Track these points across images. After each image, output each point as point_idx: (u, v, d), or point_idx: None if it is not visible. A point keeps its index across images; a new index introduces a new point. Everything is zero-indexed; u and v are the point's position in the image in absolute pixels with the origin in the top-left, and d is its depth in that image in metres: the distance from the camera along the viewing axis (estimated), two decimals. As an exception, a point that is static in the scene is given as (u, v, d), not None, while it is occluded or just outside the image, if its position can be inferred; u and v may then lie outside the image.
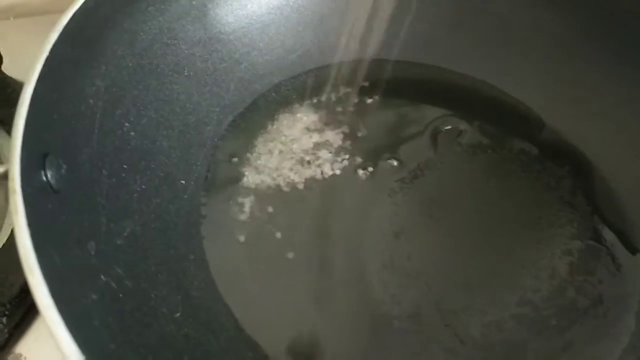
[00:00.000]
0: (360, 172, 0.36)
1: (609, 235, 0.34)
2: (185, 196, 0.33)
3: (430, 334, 0.30)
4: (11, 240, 0.32)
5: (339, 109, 0.39)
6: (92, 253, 0.25)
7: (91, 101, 0.29)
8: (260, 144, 0.37)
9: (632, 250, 0.33)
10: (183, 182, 0.33)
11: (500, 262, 0.33)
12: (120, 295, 0.25)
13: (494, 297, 0.31)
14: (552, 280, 0.32)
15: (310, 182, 0.35)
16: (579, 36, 0.40)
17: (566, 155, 0.38)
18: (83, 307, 0.22)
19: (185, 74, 0.35)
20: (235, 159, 0.36)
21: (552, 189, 0.36)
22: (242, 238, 0.33)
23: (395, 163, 0.37)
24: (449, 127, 0.39)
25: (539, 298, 0.31)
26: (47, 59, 0.26)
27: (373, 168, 0.36)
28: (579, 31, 0.40)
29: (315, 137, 0.38)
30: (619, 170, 0.36)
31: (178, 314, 0.27)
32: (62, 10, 0.28)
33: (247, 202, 0.34)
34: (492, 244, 0.33)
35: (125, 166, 0.30)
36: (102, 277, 0.24)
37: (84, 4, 0.28)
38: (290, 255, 0.32)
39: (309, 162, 0.36)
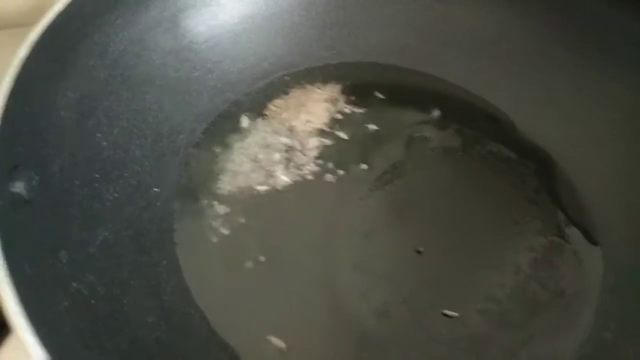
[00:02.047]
0: (332, 176, 0.37)
1: (571, 231, 0.35)
2: (159, 203, 0.33)
3: (399, 330, 0.31)
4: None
5: (312, 114, 0.40)
6: (64, 261, 0.26)
7: (63, 113, 0.30)
8: (234, 151, 0.38)
9: (594, 243, 0.35)
10: (156, 189, 0.34)
11: (467, 259, 0.34)
12: (92, 301, 0.25)
13: (460, 294, 0.32)
14: (516, 276, 0.33)
15: (283, 187, 0.36)
16: (543, 40, 0.41)
17: (531, 155, 0.39)
18: (54, 314, 0.23)
19: (158, 83, 0.36)
20: (208, 166, 0.36)
21: (517, 187, 0.37)
22: (215, 243, 0.33)
23: (365, 167, 0.38)
24: (419, 129, 0.40)
25: (503, 293, 0.32)
26: (18, 74, 0.26)
27: (344, 172, 0.37)
28: (543, 35, 0.41)
29: (288, 142, 0.38)
30: (581, 169, 0.38)
31: (150, 319, 0.27)
32: (33, 23, 0.29)
33: (220, 208, 0.35)
34: (459, 242, 0.35)
35: (97, 176, 0.31)
36: (74, 284, 0.25)
37: (53, 19, 0.29)
38: (262, 258, 0.33)
39: (282, 168, 0.37)
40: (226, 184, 0.36)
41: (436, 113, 0.41)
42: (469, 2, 0.42)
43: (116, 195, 0.31)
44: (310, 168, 0.37)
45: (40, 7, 0.46)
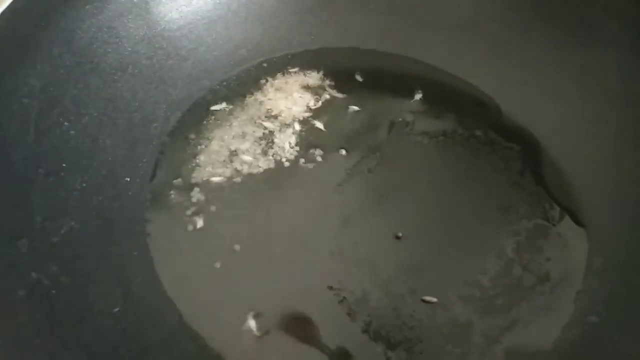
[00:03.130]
0: (310, 162, 0.36)
1: (557, 213, 0.34)
2: (130, 193, 0.33)
3: (377, 317, 0.30)
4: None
5: (291, 100, 0.39)
6: (24, 251, 0.25)
7: (25, 101, 0.29)
8: (209, 139, 0.37)
9: (580, 224, 0.34)
10: (128, 179, 0.33)
11: (448, 244, 0.33)
12: (53, 291, 0.25)
13: (440, 279, 0.31)
14: (500, 261, 0.32)
15: (259, 174, 0.35)
16: (526, 20, 0.40)
17: (516, 138, 0.38)
18: (7, 303, 0.22)
19: (129, 71, 0.35)
20: (183, 155, 0.36)
21: (501, 171, 0.36)
22: (189, 232, 0.32)
23: (344, 152, 0.37)
24: (401, 114, 0.39)
25: (486, 278, 0.31)
26: (-26, 60, 0.26)
27: (323, 158, 0.36)
28: (525, 15, 0.40)
29: (266, 130, 0.38)
30: (566, 150, 0.37)
31: (117, 309, 0.27)
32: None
33: (195, 197, 0.34)
34: (439, 227, 0.34)
35: (64, 165, 0.30)
36: (34, 274, 0.24)
37: (12, 3, 0.28)
38: (237, 247, 0.32)
39: (258, 155, 0.36)
40: (201, 173, 0.35)
41: (418, 97, 0.40)
42: (448, -18, 0.42)
43: (84, 185, 0.31)
44: (287, 155, 0.36)
45: None
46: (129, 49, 0.36)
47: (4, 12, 0.28)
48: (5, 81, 0.28)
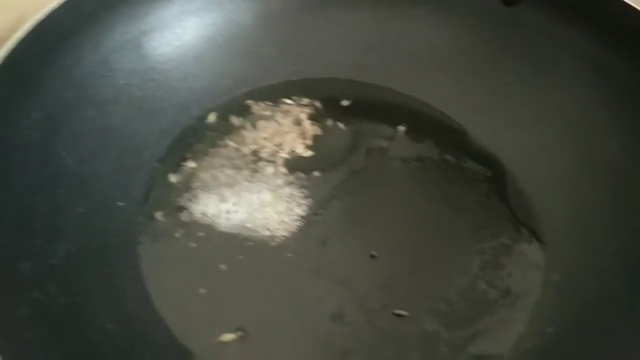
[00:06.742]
0: (292, 186, 0.39)
1: (519, 232, 0.37)
2: (123, 217, 0.35)
3: (353, 331, 0.32)
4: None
5: (273, 128, 0.42)
6: (26, 272, 0.27)
7: (27, 133, 0.31)
8: (197, 165, 0.39)
9: (540, 242, 0.37)
10: (121, 203, 0.35)
11: (419, 262, 0.36)
12: (53, 309, 0.27)
13: (411, 294, 0.34)
14: (466, 277, 0.35)
15: (244, 198, 0.38)
16: (494, 53, 0.43)
17: (483, 162, 0.41)
18: (13, 320, 0.24)
19: (123, 102, 0.38)
20: (172, 180, 0.38)
21: (469, 193, 0.39)
22: (177, 254, 0.35)
23: (324, 176, 0.39)
24: (376, 140, 0.42)
25: (453, 293, 0.34)
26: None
27: (304, 182, 0.39)
28: (494, 48, 0.43)
29: (250, 156, 0.40)
30: (530, 174, 0.40)
31: (111, 326, 0.29)
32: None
33: (184, 219, 0.36)
34: (412, 246, 0.36)
35: (62, 191, 0.32)
36: (35, 293, 0.27)
37: (16, 44, 0.31)
38: (223, 267, 0.34)
39: (244, 180, 0.39)
40: (189, 197, 0.38)
41: (393, 125, 0.43)
42: (422, 18, 0.45)
43: (80, 209, 0.33)
44: (270, 180, 0.39)
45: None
46: (122, 81, 0.38)
47: (7, 54, 0.30)
48: (9, 117, 0.30)
